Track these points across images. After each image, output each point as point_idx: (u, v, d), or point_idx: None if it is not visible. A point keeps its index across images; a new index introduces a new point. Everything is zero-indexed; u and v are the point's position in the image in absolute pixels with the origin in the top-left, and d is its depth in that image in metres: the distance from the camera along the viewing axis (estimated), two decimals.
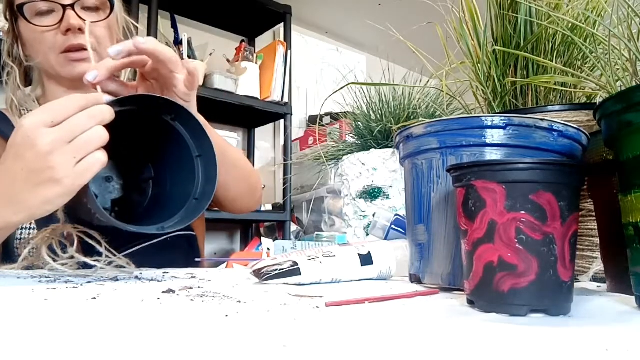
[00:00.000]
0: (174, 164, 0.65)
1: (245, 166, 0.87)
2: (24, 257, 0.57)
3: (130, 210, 0.67)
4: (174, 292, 0.45)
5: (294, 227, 2.30)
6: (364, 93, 1.17)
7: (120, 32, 0.86)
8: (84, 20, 0.75)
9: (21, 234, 0.77)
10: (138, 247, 0.75)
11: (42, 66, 0.82)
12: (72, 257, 0.56)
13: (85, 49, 0.72)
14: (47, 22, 0.77)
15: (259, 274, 0.56)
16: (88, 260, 0.56)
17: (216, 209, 0.92)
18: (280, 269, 0.55)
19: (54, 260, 0.55)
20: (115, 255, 0.58)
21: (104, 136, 0.49)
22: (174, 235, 0.81)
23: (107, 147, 0.50)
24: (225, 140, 0.84)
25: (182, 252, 0.85)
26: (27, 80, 0.87)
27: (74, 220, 0.59)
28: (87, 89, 0.59)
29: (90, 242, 0.56)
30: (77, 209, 0.57)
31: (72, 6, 0.76)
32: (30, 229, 0.77)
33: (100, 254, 0.57)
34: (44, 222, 0.58)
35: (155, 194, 0.69)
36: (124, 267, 0.59)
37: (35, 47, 0.80)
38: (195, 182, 0.62)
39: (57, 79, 0.82)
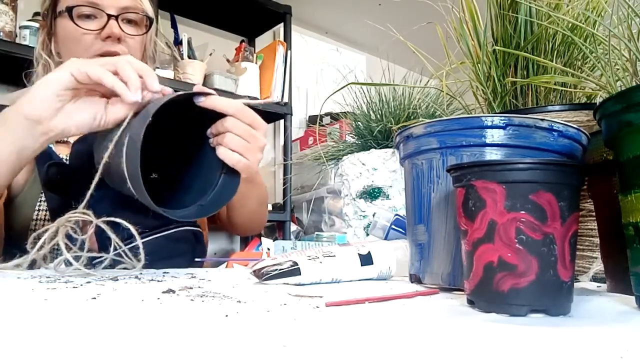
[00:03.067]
0: (201, 163, 0.68)
1: (264, 199, 0.97)
2: (37, 249, 0.58)
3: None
4: (174, 292, 0.45)
5: (294, 227, 2.30)
6: (364, 93, 1.17)
7: (151, 46, 0.93)
8: (126, 34, 0.84)
9: (37, 214, 0.80)
10: (149, 238, 0.76)
11: None
12: (82, 249, 0.57)
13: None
14: (88, 26, 0.83)
15: (259, 274, 0.56)
16: (96, 254, 0.59)
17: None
18: (280, 269, 0.55)
19: (67, 250, 0.56)
20: (128, 248, 0.60)
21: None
22: (182, 229, 0.84)
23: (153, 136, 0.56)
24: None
25: (190, 246, 0.87)
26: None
27: (105, 188, 0.62)
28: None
29: (103, 227, 0.57)
30: (112, 174, 0.60)
31: (116, 17, 0.83)
32: (46, 210, 0.79)
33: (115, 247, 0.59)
34: (59, 211, 0.60)
35: (165, 180, 0.71)
36: (130, 260, 0.60)
37: (71, 46, 0.84)
38: (208, 192, 0.67)
39: None
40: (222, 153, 0.66)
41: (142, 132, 0.54)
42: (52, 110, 0.59)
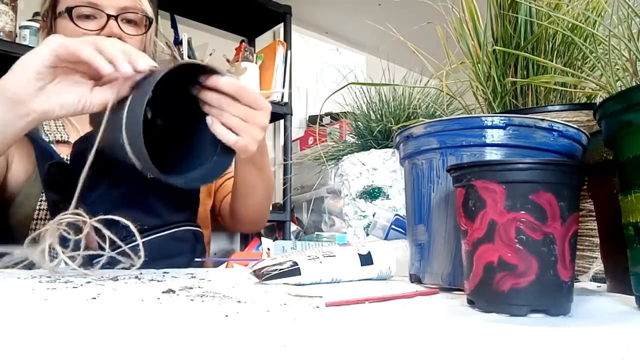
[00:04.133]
0: (199, 138, 0.68)
1: (270, 191, 0.96)
2: (38, 253, 0.58)
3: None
4: (174, 292, 0.45)
5: (294, 227, 2.30)
6: (364, 93, 1.17)
7: (150, 46, 0.93)
8: (126, 34, 0.84)
9: (37, 214, 0.81)
10: (148, 238, 0.76)
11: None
12: (79, 248, 0.57)
13: None
14: (88, 26, 0.83)
15: (259, 274, 0.56)
16: (94, 252, 0.59)
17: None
18: (280, 269, 0.55)
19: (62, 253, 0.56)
20: (128, 247, 0.59)
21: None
22: (182, 229, 0.85)
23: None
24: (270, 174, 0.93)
25: (189, 246, 0.88)
26: None
27: (106, 158, 0.62)
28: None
29: (99, 226, 0.57)
30: (114, 147, 0.59)
31: (116, 17, 0.83)
32: (46, 209, 0.80)
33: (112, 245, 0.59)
34: (59, 210, 0.60)
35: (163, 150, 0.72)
36: (130, 259, 0.60)
37: None
38: (203, 165, 0.68)
39: None
40: (219, 131, 0.65)
41: (145, 99, 0.53)
42: (32, 89, 0.57)
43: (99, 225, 0.57)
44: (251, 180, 0.85)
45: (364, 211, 1.01)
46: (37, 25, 1.58)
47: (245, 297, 0.44)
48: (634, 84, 0.54)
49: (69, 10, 0.82)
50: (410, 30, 0.98)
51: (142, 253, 0.59)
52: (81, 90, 0.59)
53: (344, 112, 1.31)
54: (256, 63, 2.25)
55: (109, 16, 0.82)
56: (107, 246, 0.58)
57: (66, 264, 0.55)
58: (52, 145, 0.84)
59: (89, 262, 0.60)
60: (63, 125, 0.87)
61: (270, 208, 1.03)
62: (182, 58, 2.01)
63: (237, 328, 0.31)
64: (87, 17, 0.83)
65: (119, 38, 0.83)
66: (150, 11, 0.89)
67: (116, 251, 0.59)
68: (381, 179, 1.00)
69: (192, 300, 0.41)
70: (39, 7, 0.90)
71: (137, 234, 0.57)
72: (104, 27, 0.82)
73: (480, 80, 0.77)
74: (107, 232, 0.57)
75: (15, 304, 0.37)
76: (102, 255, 0.59)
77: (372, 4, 2.56)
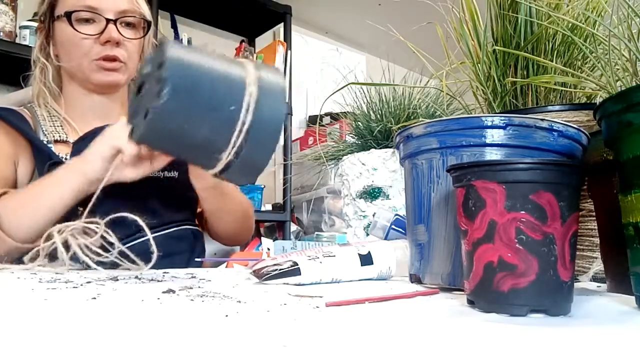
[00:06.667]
0: None
1: (245, 212, 0.96)
2: (42, 257, 0.58)
3: None
4: (174, 292, 0.45)
5: (294, 227, 2.30)
6: (364, 93, 1.16)
7: (149, 49, 0.93)
8: (125, 37, 0.84)
9: None
10: (144, 238, 0.76)
11: (69, 68, 0.87)
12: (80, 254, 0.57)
13: (118, 60, 0.84)
14: (87, 30, 0.83)
15: (259, 274, 0.56)
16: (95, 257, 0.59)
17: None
18: (280, 269, 0.55)
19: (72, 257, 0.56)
20: (127, 247, 0.60)
21: None
22: (180, 228, 0.85)
23: None
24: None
25: (188, 245, 0.88)
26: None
27: None
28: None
29: (101, 229, 0.58)
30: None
31: (114, 21, 0.83)
32: None
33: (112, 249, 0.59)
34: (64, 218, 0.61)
35: None
36: (132, 262, 0.60)
37: (70, 50, 0.85)
38: None
39: (81, 82, 0.88)
40: None
41: None
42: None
43: (113, 234, 0.57)
44: (215, 203, 0.85)
45: (364, 211, 1.01)
46: (36, 25, 1.58)
47: (245, 297, 0.44)
48: (634, 84, 0.54)
49: (68, 15, 0.82)
50: (410, 30, 0.98)
51: (155, 253, 0.59)
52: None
53: (344, 112, 1.30)
54: None
55: (107, 20, 0.82)
56: (116, 244, 0.59)
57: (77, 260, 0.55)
58: (50, 145, 0.84)
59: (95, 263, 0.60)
60: (62, 126, 0.87)
61: (252, 227, 1.02)
62: None
63: (237, 328, 0.31)
64: (87, 21, 0.83)
65: (118, 42, 0.83)
66: (148, 14, 0.88)
67: (127, 246, 0.59)
68: (381, 179, 1.00)
69: (192, 300, 0.41)
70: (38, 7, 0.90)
71: (148, 232, 0.57)
72: (103, 31, 0.82)
73: (480, 80, 0.77)
74: (112, 238, 0.57)
75: (15, 304, 0.37)
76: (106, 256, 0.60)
77: (372, 4, 2.56)
